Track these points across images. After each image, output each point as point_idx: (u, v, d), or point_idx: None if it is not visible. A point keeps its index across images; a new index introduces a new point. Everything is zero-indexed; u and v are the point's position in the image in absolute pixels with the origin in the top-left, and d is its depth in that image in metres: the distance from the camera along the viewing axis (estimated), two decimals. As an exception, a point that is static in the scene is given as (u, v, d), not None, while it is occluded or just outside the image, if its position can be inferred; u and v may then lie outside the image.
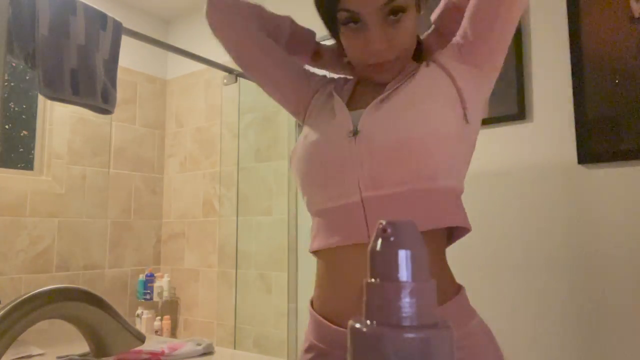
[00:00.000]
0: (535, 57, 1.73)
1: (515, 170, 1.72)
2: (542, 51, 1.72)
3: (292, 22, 0.93)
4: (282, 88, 0.90)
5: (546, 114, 1.69)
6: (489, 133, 1.78)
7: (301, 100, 0.89)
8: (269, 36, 0.89)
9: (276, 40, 0.90)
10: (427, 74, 0.77)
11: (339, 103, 0.80)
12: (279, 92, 0.91)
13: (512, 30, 0.76)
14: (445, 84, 0.75)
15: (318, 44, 0.95)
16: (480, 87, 0.78)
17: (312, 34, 0.94)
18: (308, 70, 0.92)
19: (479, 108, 0.78)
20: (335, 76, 0.93)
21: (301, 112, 0.90)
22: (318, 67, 0.95)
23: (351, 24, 0.74)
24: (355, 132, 0.73)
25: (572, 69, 1.63)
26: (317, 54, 0.94)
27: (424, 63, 0.80)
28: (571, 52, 1.64)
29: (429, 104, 0.72)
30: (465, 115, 0.73)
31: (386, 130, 0.71)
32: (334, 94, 0.83)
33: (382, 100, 0.75)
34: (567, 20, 1.66)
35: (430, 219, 0.70)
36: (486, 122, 1.78)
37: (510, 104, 1.73)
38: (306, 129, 0.82)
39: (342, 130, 0.74)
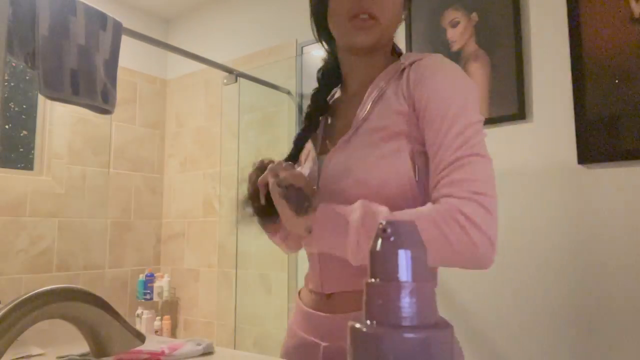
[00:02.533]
0: (535, 57, 1.73)
1: (515, 170, 1.72)
2: (542, 51, 1.72)
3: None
4: None
5: (546, 114, 1.69)
6: (489, 133, 1.78)
7: None
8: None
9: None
10: (387, 104, 0.77)
11: (312, 151, 0.86)
12: None
13: None
14: (400, 119, 0.74)
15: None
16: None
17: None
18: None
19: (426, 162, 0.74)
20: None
21: None
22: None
23: None
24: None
25: (572, 69, 1.63)
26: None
27: (395, 76, 0.80)
28: (571, 52, 1.64)
29: (383, 150, 0.73)
30: (416, 168, 0.73)
31: (339, 187, 0.75)
32: (310, 142, 0.88)
33: (346, 142, 0.78)
34: (567, 20, 1.66)
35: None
36: (486, 122, 1.78)
37: (510, 104, 1.73)
38: None
39: None
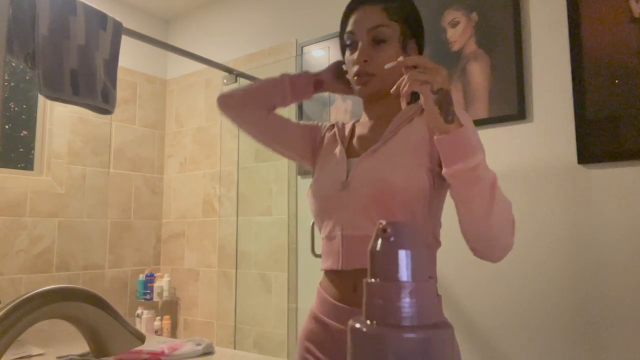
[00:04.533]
0: (535, 57, 1.73)
1: (515, 170, 1.72)
2: (542, 51, 1.72)
3: (287, 76, 1.11)
4: (298, 153, 1.12)
5: (546, 114, 1.69)
6: (489, 133, 1.78)
7: (312, 156, 1.12)
8: (275, 105, 1.10)
9: (283, 100, 1.11)
10: (413, 129, 0.93)
11: (341, 153, 1.01)
12: (297, 157, 1.13)
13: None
14: (423, 143, 0.91)
15: (316, 75, 1.12)
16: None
17: (306, 74, 1.12)
18: (308, 127, 1.13)
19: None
20: (335, 121, 1.14)
21: (313, 163, 1.12)
22: (322, 92, 1.14)
23: (350, 46, 0.98)
24: (345, 185, 0.94)
25: (572, 69, 1.63)
26: (319, 83, 1.12)
27: (418, 113, 0.96)
28: (571, 52, 1.64)
29: (407, 161, 0.89)
30: (434, 173, 0.88)
31: (368, 183, 0.91)
32: (338, 139, 1.04)
33: (374, 151, 0.94)
34: (567, 20, 1.66)
35: None
36: (486, 122, 1.78)
37: (510, 104, 1.73)
38: (315, 174, 1.04)
39: (336, 183, 0.96)
